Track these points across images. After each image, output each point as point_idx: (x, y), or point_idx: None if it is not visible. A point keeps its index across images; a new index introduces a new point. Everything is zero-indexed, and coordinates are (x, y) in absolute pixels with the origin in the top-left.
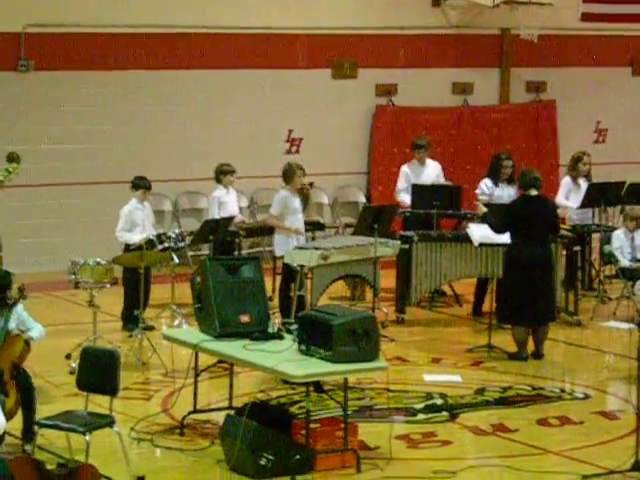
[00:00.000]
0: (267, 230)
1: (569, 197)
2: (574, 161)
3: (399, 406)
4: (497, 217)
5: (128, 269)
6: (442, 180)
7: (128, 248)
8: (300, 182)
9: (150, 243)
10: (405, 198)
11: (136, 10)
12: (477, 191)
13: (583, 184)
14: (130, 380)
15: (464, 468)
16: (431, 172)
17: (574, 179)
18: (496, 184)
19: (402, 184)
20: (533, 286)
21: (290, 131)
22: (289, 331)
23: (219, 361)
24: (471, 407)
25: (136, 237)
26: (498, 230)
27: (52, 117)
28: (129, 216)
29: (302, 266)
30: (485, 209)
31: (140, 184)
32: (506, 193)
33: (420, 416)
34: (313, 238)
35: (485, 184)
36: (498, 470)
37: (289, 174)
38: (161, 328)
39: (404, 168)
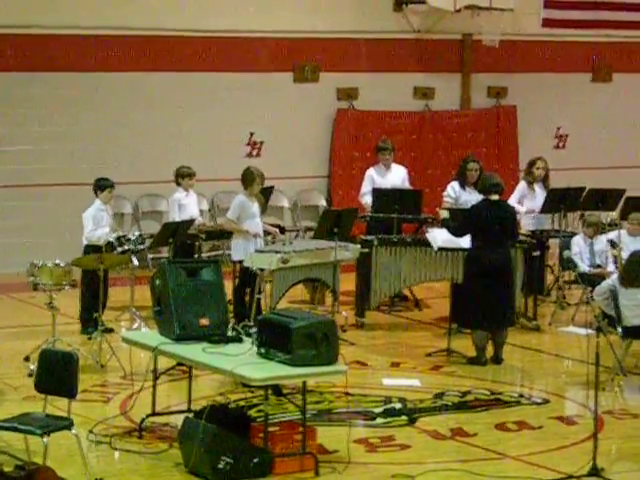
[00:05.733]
0: (227, 233)
1: (522, 202)
2: (529, 165)
3: (358, 410)
4: (458, 221)
5: (86, 271)
6: (407, 185)
7: (90, 250)
8: (259, 188)
9: (110, 245)
10: (369, 201)
11: (97, 12)
12: (444, 193)
13: (538, 190)
14: (89, 382)
15: (423, 472)
16: (396, 176)
17: (529, 184)
18: (463, 188)
19: (367, 187)
20: (493, 291)
21: (251, 134)
22: (248, 334)
23: (178, 364)
24: (430, 411)
25: (106, 234)
26: (458, 234)
27: (7, 119)
28: (96, 217)
29: (262, 269)
30: (447, 215)
31: (106, 184)
32: (474, 197)
33: (379, 420)
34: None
35: (452, 187)
36: (456, 474)
37: (249, 179)
38: (120, 331)
39: (370, 171)
